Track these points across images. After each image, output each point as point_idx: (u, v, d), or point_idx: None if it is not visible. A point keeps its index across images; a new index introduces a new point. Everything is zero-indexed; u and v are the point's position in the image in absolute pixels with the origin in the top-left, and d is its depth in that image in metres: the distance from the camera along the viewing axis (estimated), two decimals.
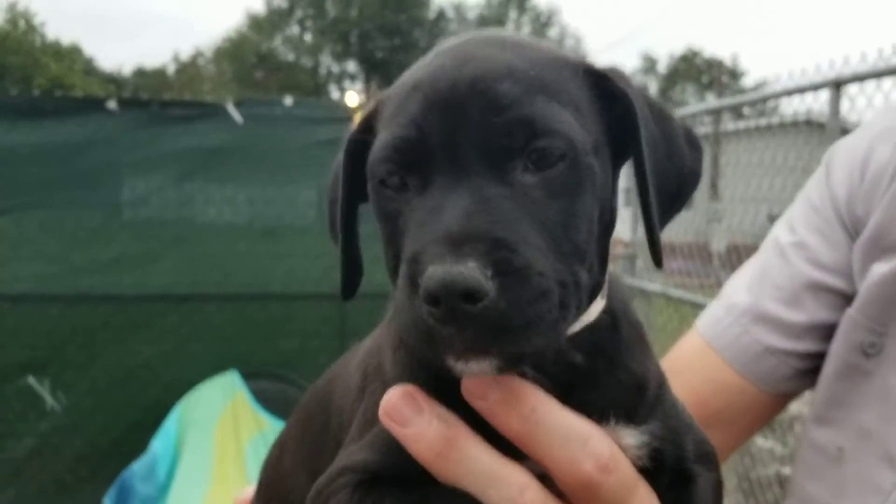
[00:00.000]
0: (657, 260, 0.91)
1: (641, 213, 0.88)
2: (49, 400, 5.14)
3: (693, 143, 0.92)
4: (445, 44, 0.89)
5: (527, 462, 0.84)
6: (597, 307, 0.87)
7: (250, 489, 1.28)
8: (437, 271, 0.67)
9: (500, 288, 0.68)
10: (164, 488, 4.36)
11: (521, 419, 0.81)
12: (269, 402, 4.66)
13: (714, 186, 6.58)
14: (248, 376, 4.97)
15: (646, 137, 0.84)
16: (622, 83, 0.85)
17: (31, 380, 5.11)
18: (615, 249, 6.25)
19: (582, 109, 0.81)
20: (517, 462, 0.84)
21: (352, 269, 0.94)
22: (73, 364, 5.19)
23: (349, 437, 0.94)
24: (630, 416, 0.88)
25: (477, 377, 0.78)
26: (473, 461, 0.82)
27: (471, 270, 0.67)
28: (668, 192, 0.89)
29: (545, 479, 0.85)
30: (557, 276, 0.73)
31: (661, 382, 0.95)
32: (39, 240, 5.18)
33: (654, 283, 5.68)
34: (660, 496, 0.92)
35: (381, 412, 0.84)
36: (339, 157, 0.92)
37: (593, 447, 0.82)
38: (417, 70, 0.84)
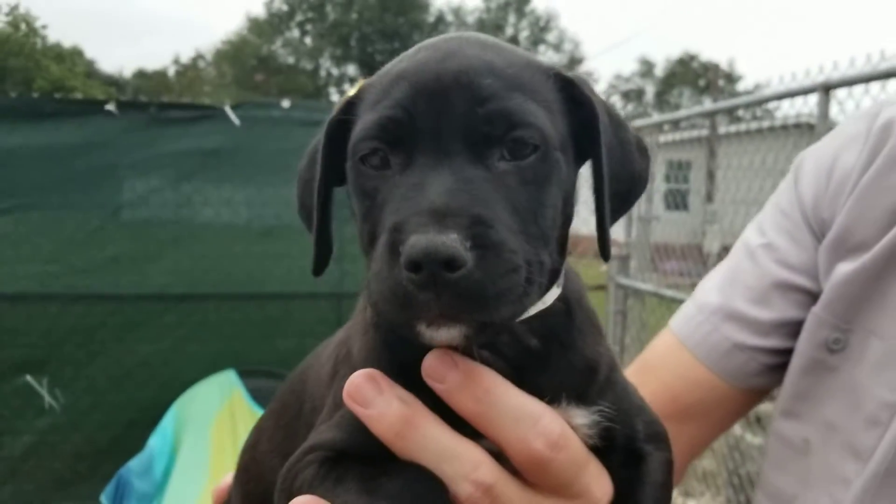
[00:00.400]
0: (605, 254, 0.98)
1: (595, 211, 0.95)
2: (47, 398, 5.17)
3: (643, 152, 0.99)
4: (428, 41, 0.94)
5: (484, 441, 0.89)
6: (552, 294, 0.92)
7: (230, 475, 1.33)
8: (420, 239, 0.72)
9: (477, 259, 0.73)
10: (161, 485, 4.39)
11: (476, 400, 0.86)
12: (266, 400, 4.66)
13: (709, 189, 6.64)
14: (246, 374, 5.00)
15: (605, 142, 0.91)
16: (587, 90, 0.92)
17: (29, 378, 5.15)
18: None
19: (552, 109, 0.88)
20: (475, 441, 0.89)
21: (324, 248, 0.97)
22: (71, 363, 5.23)
23: (320, 419, 0.99)
24: (581, 397, 0.94)
25: (443, 346, 0.83)
26: (430, 439, 0.87)
27: (452, 241, 0.72)
28: (620, 194, 0.95)
29: (502, 458, 0.90)
30: (525, 256, 0.79)
31: (613, 366, 1.00)
32: (38, 240, 5.20)
33: (647, 284, 5.73)
34: (612, 474, 0.97)
35: (345, 394, 0.89)
36: (319, 137, 0.96)
37: (544, 426, 0.87)
38: (400, 62, 0.90)
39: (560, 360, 0.93)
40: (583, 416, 0.94)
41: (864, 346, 1.24)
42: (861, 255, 1.26)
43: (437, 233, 0.72)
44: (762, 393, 1.47)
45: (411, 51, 0.93)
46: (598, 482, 0.95)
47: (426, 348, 0.87)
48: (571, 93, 0.91)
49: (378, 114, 0.84)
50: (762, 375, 1.43)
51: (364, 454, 0.91)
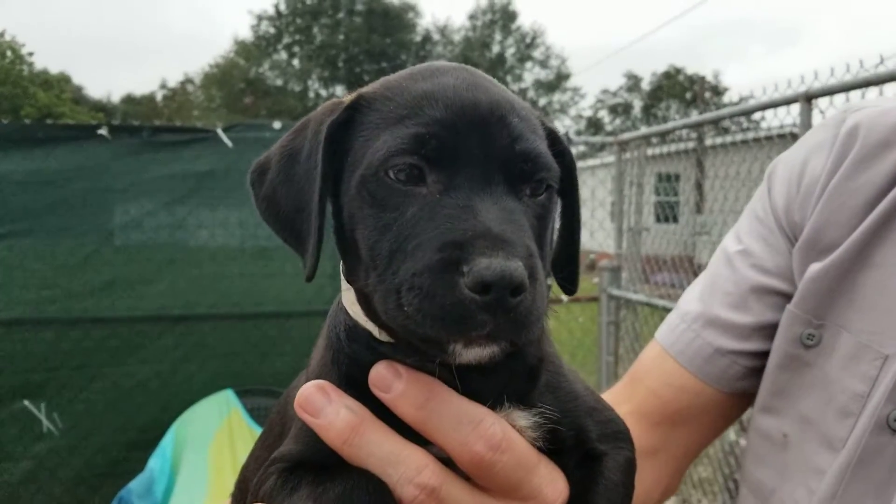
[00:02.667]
0: (576, 286, 1.07)
1: (565, 248, 1.08)
2: (45, 423, 5.16)
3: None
4: (434, 65, 0.98)
5: (434, 448, 0.94)
6: None
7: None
8: (496, 264, 0.76)
9: (530, 288, 0.79)
10: None
11: (418, 407, 0.91)
12: (265, 419, 4.68)
13: (698, 200, 6.70)
14: (244, 394, 5.02)
15: (580, 192, 1.05)
16: (565, 143, 1.02)
17: (27, 403, 5.14)
18: (600, 262, 6.35)
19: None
20: (425, 448, 0.94)
21: (319, 253, 0.96)
22: (69, 387, 5.23)
23: (289, 436, 1.05)
24: (522, 399, 0.98)
25: (464, 363, 0.87)
26: (376, 445, 0.92)
27: (522, 269, 0.77)
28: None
29: (454, 464, 0.94)
30: None
31: (557, 370, 1.04)
32: (33, 265, 5.20)
33: (638, 294, 5.77)
34: (567, 475, 1.01)
35: (296, 404, 0.95)
36: (316, 140, 0.94)
37: (485, 429, 0.92)
38: (415, 80, 0.94)
39: (502, 365, 0.95)
40: (524, 419, 0.98)
41: (835, 340, 1.29)
42: (832, 256, 1.31)
43: (507, 259, 0.77)
44: (750, 396, 1.50)
45: (421, 72, 0.97)
46: (551, 484, 0.98)
47: (374, 362, 0.93)
48: (552, 141, 0.99)
49: (413, 130, 0.87)
50: (746, 378, 1.46)
51: (319, 463, 0.96)
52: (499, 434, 0.92)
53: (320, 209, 0.93)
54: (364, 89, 0.98)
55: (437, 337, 0.80)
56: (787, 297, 1.39)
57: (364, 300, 0.93)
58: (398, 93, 0.93)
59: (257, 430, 4.64)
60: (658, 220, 6.77)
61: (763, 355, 1.43)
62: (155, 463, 4.68)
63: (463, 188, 0.85)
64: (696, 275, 5.69)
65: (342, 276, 0.99)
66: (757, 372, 1.44)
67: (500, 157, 0.87)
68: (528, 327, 0.80)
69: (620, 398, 1.52)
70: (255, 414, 4.80)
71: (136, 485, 4.56)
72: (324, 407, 0.93)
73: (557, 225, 1.07)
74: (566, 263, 1.06)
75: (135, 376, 5.33)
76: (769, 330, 1.41)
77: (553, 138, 0.99)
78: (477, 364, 0.90)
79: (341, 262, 0.99)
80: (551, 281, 1.04)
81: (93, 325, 5.28)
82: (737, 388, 1.47)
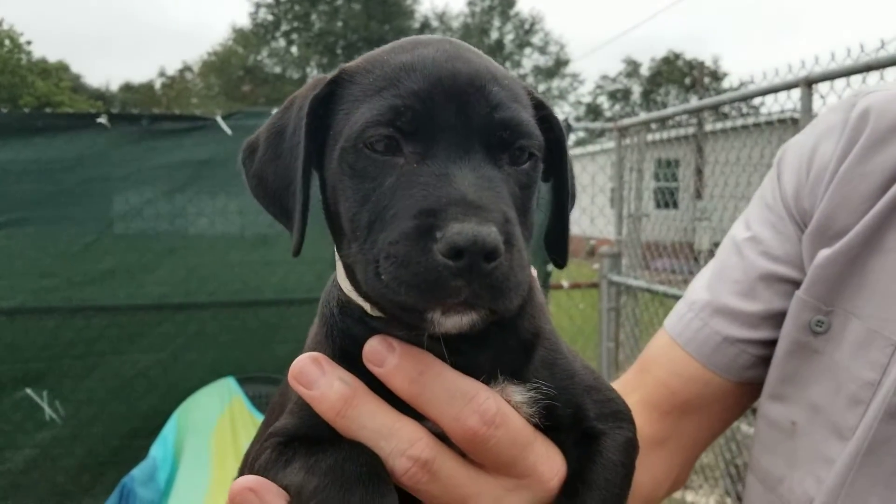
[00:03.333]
0: (566, 260, 1.06)
1: (555, 222, 1.07)
2: (47, 411, 5.18)
3: (573, 175, 1.10)
4: (415, 38, 0.99)
5: (429, 423, 0.94)
6: None
7: None
8: (467, 228, 0.76)
9: (506, 253, 0.79)
10: (164, 493, 4.41)
11: (411, 381, 0.91)
12: (266, 406, 4.70)
13: (698, 186, 6.70)
14: (245, 381, 5.03)
15: (569, 163, 1.04)
16: (554, 113, 1.01)
17: (29, 391, 5.15)
18: (600, 248, 6.35)
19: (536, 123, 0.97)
20: (420, 422, 0.93)
21: (304, 228, 0.97)
22: (71, 375, 5.23)
23: (286, 411, 1.05)
24: (516, 374, 0.97)
25: (441, 333, 0.86)
26: (369, 417, 0.92)
27: (495, 233, 0.77)
28: (571, 208, 1.07)
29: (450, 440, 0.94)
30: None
31: (554, 346, 1.03)
32: (33, 254, 5.19)
33: (639, 280, 5.78)
34: (565, 454, 1.01)
35: (289, 376, 0.95)
36: (299, 116, 0.95)
37: (479, 404, 0.91)
38: (395, 53, 0.94)
39: (497, 339, 0.96)
40: (520, 394, 0.97)
41: (844, 326, 1.27)
42: (841, 241, 1.29)
43: (480, 224, 0.77)
44: (759, 385, 1.48)
45: (402, 45, 0.97)
46: (547, 461, 0.98)
47: (367, 336, 0.93)
48: (542, 113, 0.99)
49: (390, 101, 0.87)
50: (755, 368, 1.44)
51: (314, 436, 0.96)
52: (493, 409, 0.91)
53: (304, 183, 0.94)
54: (347, 64, 0.99)
55: (413, 305, 0.80)
56: (797, 284, 1.37)
57: (351, 273, 0.93)
58: (378, 65, 0.93)
59: (259, 418, 4.66)
60: (658, 205, 6.76)
61: (772, 344, 1.41)
62: (157, 451, 4.70)
63: (440, 157, 0.85)
64: (696, 261, 5.72)
65: (335, 252, 0.99)
66: (766, 361, 1.42)
67: (478, 126, 0.87)
68: (505, 294, 0.79)
69: (629, 387, 1.51)
70: (257, 401, 4.82)
71: (138, 472, 4.58)
72: (317, 378, 0.93)
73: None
74: (557, 237, 1.06)
75: (136, 364, 5.33)
76: (778, 318, 1.39)
77: (540, 109, 0.99)
78: (462, 334, 0.89)
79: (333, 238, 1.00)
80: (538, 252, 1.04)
81: (94, 313, 5.27)
82: (746, 378, 1.46)
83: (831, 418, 1.27)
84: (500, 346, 0.97)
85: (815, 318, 1.31)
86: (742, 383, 1.47)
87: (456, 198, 0.80)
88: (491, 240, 0.76)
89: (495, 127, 0.88)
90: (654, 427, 1.45)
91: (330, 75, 0.97)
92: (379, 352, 0.92)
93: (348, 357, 0.95)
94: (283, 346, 5.45)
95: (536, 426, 0.98)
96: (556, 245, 1.06)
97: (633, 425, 1.07)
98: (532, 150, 0.92)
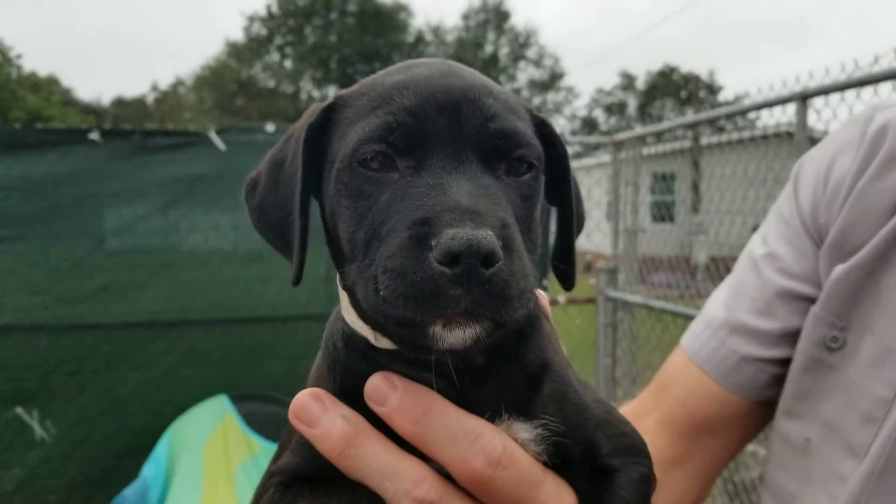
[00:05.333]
0: (572, 283, 1.03)
1: (562, 243, 1.04)
2: (38, 430, 5.12)
3: (580, 196, 1.08)
4: (411, 61, 0.98)
5: (435, 462, 0.90)
6: None
7: None
8: (461, 233, 0.73)
9: (506, 259, 0.76)
10: None
11: (414, 422, 0.87)
12: (260, 425, 4.66)
13: (694, 200, 6.70)
14: (238, 399, 4.97)
15: (573, 183, 1.01)
16: (556, 132, 0.99)
17: (20, 410, 5.09)
18: (597, 263, 6.33)
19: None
20: (423, 460, 0.89)
21: (304, 256, 0.96)
22: (62, 393, 5.17)
23: (288, 448, 1.01)
24: (522, 411, 0.93)
25: (446, 350, 0.81)
26: (372, 457, 0.88)
27: (492, 236, 0.74)
28: (577, 229, 1.05)
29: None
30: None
31: (563, 379, 0.99)
32: (24, 271, 5.15)
33: (636, 296, 5.76)
34: (577, 492, 0.96)
35: (290, 413, 0.92)
36: (291, 146, 0.96)
37: (483, 444, 0.87)
38: (389, 75, 0.93)
39: (502, 374, 0.93)
40: (527, 431, 0.93)
41: (859, 343, 1.25)
42: (856, 256, 1.27)
43: (475, 228, 0.74)
44: (775, 404, 1.46)
45: (397, 67, 0.96)
46: (558, 501, 0.93)
47: (370, 372, 0.89)
48: (542, 131, 0.96)
49: (382, 118, 0.86)
50: (773, 386, 1.43)
51: (316, 476, 0.93)
52: (499, 449, 0.88)
53: (302, 211, 0.93)
54: (342, 91, 0.98)
55: (412, 318, 0.76)
56: (814, 301, 1.35)
57: (354, 299, 0.90)
58: (372, 87, 0.92)
59: (252, 436, 4.61)
60: (654, 220, 6.76)
61: (790, 362, 1.39)
62: (149, 470, 4.65)
63: (434, 169, 0.83)
64: (692, 275, 5.70)
65: (338, 282, 0.97)
66: (784, 379, 1.41)
67: (472, 137, 0.85)
68: (507, 302, 0.76)
69: (647, 407, 1.50)
70: (250, 419, 4.76)
71: (130, 492, 4.53)
72: (319, 416, 0.90)
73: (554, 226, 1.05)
74: (563, 260, 1.03)
75: (128, 382, 5.28)
76: (796, 336, 1.38)
77: (541, 126, 0.97)
78: (467, 366, 0.87)
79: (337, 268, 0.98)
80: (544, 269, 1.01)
81: (85, 330, 5.22)
82: (764, 397, 1.44)
83: (845, 436, 1.25)
84: (506, 380, 0.93)
85: (830, 334, 1.29)
86: (760, 402, 1.45)
87: (450, 205, 0.78)
88: (487, 243, 0.73)
89: (490, 136, 0.86)
90: (673, 447, 1.43)
91: (325, 103, 0.97)
92: (381, 390, 0.89)
93: (351, 393, 0.92)
94: (277, 363, 5.41)
95: (545, 464, 0.94)
96: (562, 268, 1.04)
97: (649, 460, 1.03)
98: (530, 159, 0.89)
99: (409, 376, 0.89)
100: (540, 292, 1.00)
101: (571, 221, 1.02)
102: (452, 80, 0.89)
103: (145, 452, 4.82)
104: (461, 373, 0.89)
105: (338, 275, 0.96)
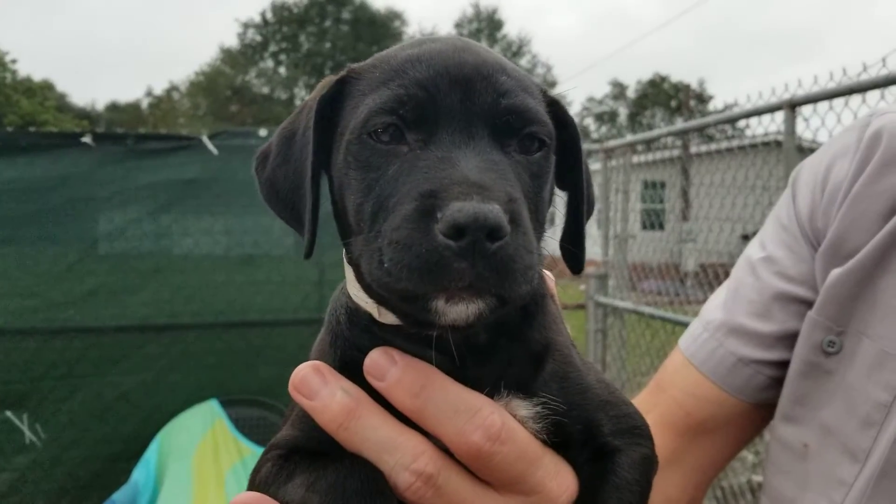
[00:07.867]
0: (581, 266, 1.02)
1: (572, 226, 1.03)
2: (28, 434, 5.09)
3: (590, 179, 1.07)
4: (424, 38, 0.98)
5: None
6: None
7: None
8: (468, 206, 0.73)
9: (512, 234, 0.76)
10: None
11: (413, 396, 0.88)
12: (250, 429, 4.67)
13: (684, 207, 6.73)
14: (229, 404, 4.97)
15: (584, 166, 1.00)
16: (569, 113, 0.99)
17: (9, 414, 5.06)
18: (587, 269, 6.35)
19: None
20: (423, 434, 0.90)
21: (315, 230, 0.95)
22: (52, 397, 5.15)
23: (288, 421, 1.02)
24: (522, 388, 0.93)
25: (449, 325, 0.81)
26: (372, 430, 0.89)
27: (498, 210, 0.74)
28: (587, 213, 1.03)
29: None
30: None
31: (566, 359, 0.99)
32: (15, 274, 5.13)
33: (625, 302, 5.78)
34: (578, 471, 0.96)
35: (290, 385, 0.92)
36: (308, 115, 0.95)
37: (482, 419, 0.87)
38: (403, 49, 0.93)
39: (504, 352, 0.93)
40: (526, 408, 0.93)
41: (856, 347, 1.26)
42: (852, 261, 1.28)
43: (482, 202, 0.74)
44: (774, 406, 1.45)
45: (411, 42, 0.96)
46: (556, 478, 0.94)
47: (372, 347, 0.90)
48: (555, 111, 0.96)
49: (394, 91, 0.86)
50: (770, 389, 1.43)
51: (315, 448, 0.93)
52: (497, 424, 0.88)
53: (314, 183, 0.93)
54: (354, 64, 0.98)
55: (415, 290, 0.76)
56: (811, 305, 1.36)
57: (358, 273, 0.90)
58: (385, 61, 0.92)
59: (242, 441, 4.61)
60: (644, 227, 6.78)
61: (787, 365, 1.40)
62: (139, 474, 4.63)
63: (444, 142, 0.83)
64: (682, 282, 5.72)
65: (344, 257, 0.96)
66: (781, 382, 1.41)
67: (484, 112, 0.85)
68: (512, 277, 0.75)
69: (644, 407, 1.48)
70: (240, 424, 4.76)
71: (120, 496, 4.51)
72: (319, 389, 0.90)
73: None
74: (572, 242, 1.02)
75: (119, 386, 5.26)
76: (793, 339, 1.38)
77: (554, 106, 0.96)
78: (469, 344, 0.87)
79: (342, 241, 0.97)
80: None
81: (76, 334, 5.21)
82: (761, 399, 1.45)
83: (843, 440, 1.25)
84: (508, 358, 0.94)
85: (827, 339, 1.30)
86: (757, 404, 1.46)
87: (458, 178, 0.77)
88: (493, 216, 0.73)
89: (501, 112, 0.86)
90: (669, 447, 1.43)
91: (338, 76, 0.97)
92: (380, 365, 0.88)
93: (353, 367, 0.92)
94: (268, 367, 5.40)
95: (545, 442, 0.94)
96: (572, 250, 1.03)
97: (651, 441, 1.03)
98: (542, 136, 0.89)
99: (410, 352, 0.89)
100: (546, 273, 1.00)
101: (582, 204, 1.01)
102: (466, 55, 0.89)
103: (135, 457, 4.81)
104: (463, 350, 0.88)
105: (344, 249, 0.95)
